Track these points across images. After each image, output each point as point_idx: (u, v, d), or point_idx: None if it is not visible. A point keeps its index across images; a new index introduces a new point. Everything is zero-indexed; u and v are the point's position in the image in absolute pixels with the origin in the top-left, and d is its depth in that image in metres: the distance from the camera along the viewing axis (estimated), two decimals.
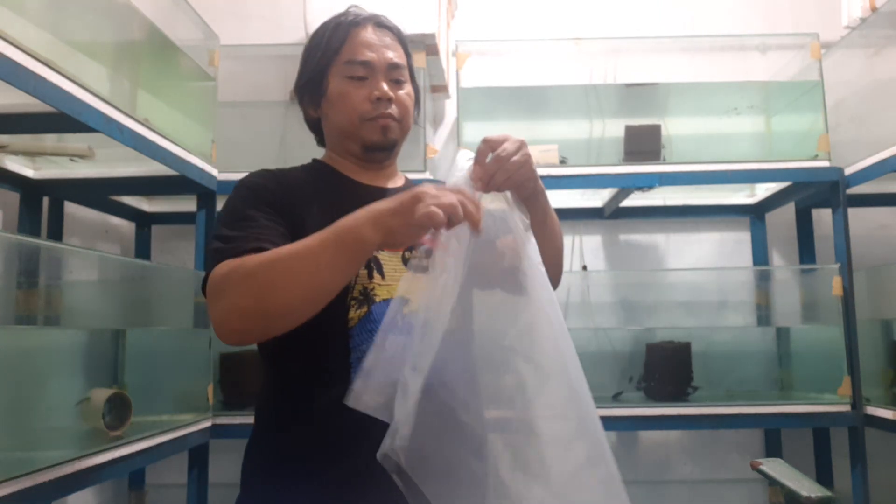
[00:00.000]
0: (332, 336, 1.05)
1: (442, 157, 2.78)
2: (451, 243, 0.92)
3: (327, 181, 1.18)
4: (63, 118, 1.46)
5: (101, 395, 1.69)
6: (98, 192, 2.37)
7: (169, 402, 2.07)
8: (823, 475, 2.47)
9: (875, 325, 2.32)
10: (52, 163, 2.05)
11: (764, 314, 2.61)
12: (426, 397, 0.89)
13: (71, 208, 2.36)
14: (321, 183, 1.17)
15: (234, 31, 2.55)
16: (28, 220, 2.12)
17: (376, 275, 1.09)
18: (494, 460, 0.97)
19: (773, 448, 2.59)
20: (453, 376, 0.98)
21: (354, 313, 1.06)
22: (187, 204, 2.35)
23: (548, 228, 1.11)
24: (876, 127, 2.30)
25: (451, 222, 0.87)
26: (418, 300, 0.92)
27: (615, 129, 2.51)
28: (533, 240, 1.02)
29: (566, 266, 2.70)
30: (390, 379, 0.89)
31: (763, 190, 2.65)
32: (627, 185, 2.37)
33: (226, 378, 2.27)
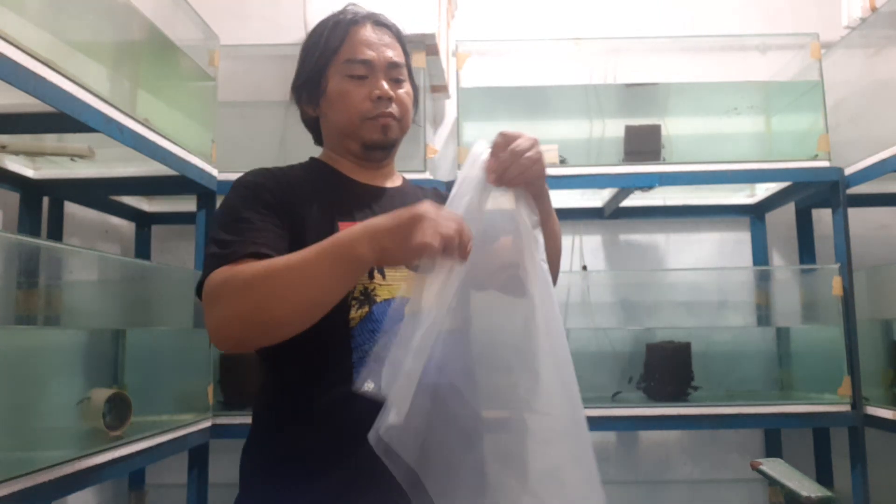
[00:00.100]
0: (333, 336, 1.05)
1: (442, 157, 2.78)
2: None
3: (326, 180, 1.18)
4: (63, 118, 1.46)
5: (101, 395, 1.70)
6: (98, 192, 2.37)
7: (169, 402, 2.07)
8: (823, 475, 2.47)
9: (875, 325, 2.32)
10: (52, 163, 2.05)
11: (764, 314, 2.61)
12: (426, 394, 0.89)
13: (71, 208, 2.36)
14: (320, 182, 1.17)
15: (234, 31, 2.55)
16: (28, 220, 2.12)
17: (377, 275, 1.09)
18: (490, 459, 0.97)
19: (773, 448, 2.59)
20: (452, 375, 0.98)
21: (356, 313, 1.06)
22: (187, 204, 2.36)
23: (548, 229, 1.11)
24: (876, 127, 2.30)
25: (445, 251, 0.87)
26: (419, 299, 0.92)
27: (615, 129, 2.51)
28: (540, 238, 1.02)
29: (566, 266, 2.70)
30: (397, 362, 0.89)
31: (763, 190, 2.65)
32: (627, 185, 2.37)
33: (226, 378, 2.27)
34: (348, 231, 0.92)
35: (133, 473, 2.53)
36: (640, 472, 2.65)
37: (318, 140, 1.27)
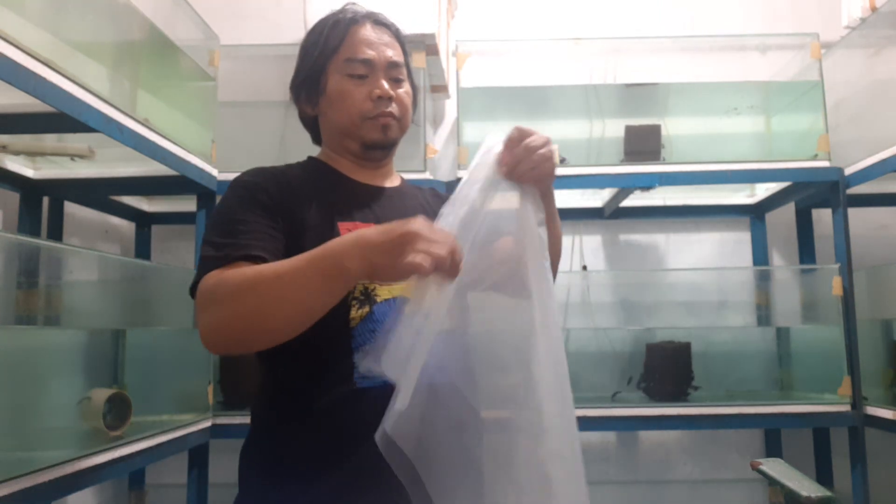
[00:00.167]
0: (334, 336, 1.05)
1: (442, 157, 2.78)
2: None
3: (325, 180, 1.17)
4: (63, 118, 1.46)
5: (102, 394, 1.70)
6: (98, 192, 2.37)
7: (169, 402, 2.07)
8: (823, 475, 2.48)
9: (875, 325, 2.32)
10: (52, 163, 2.05)
11: (764, 314, 2.61)
12: (426, 393, 0.89)
13: (71, 208, 2.36)
14: (319, 182, 1.16)
15: (234, 31, 2.55)
16: (28, 220, 2.12)
17: None
18: (488, 459, 0.98)
19: (773, 448, 2.59)
20: (452, 375, 0.98)
21: (356, 313, 1.06)
22: (187, 204, 2.35)
23: (550, 230, 1.11)
24: (876, 127, 2.30)
25: (437, 269, 0.85)
26: (419, 300, 0.92)
27: (615, 129, 2.51)
28: (544, 236, 1.02)
29: (566, 266, 2.70)
30: (402, 346, 0.89)
31: (763, 190, 2.65)
32: (627, 185, 2.37)
33: (226, 378, 2.27)
34: (339, 241, 0.90)
35: (133, 473, 2.53)
36: (640, 472, 2.65)
37: (317, 139, 1.26)
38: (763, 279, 2.64)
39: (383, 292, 1.09)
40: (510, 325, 1.03)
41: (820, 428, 2.51)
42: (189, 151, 2.03)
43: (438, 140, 2.82)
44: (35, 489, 1.32)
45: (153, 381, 2.07)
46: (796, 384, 2.48)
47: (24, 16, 1.37)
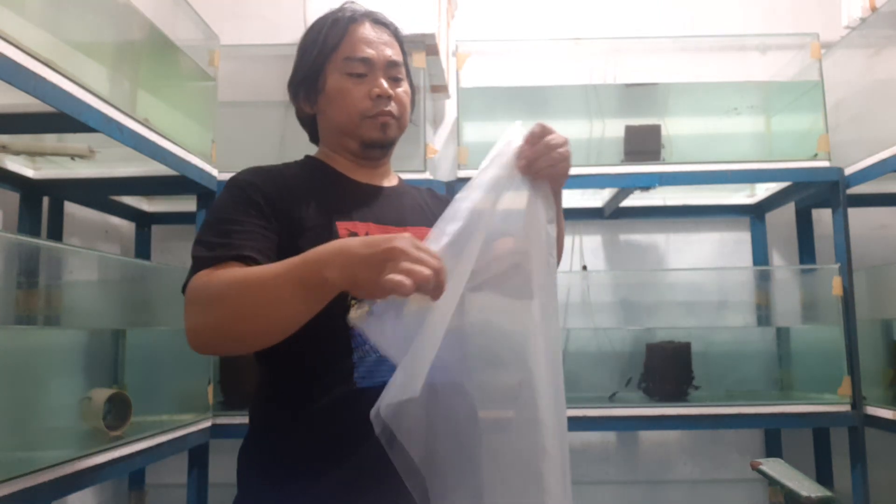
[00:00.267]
0: (333, 336, 1.04)
1: (442, 157, 2.78)
2: (452, 246, 0.92)
3: (323, 179, 1.17)
4: (63, 118, 1.46)
5: (102, 394, 1.70)
6: (98, 192, 2.37)
7: (169, 402, 2.07)
8: (823, 475, 2.48)
9: (875, 325, 2.32)
10: (52, 163, 2.05)
11: (764, 314, 2.61)
12: (426, 392, 0.89)
13: (71, 208, 2.36)
14: (317, 181, 1.16)
15: (234, 31, 2.55)
16: (28, 220, 2.12)
17: None
18: (486, 458, 0.98)
19: (773, 448, 2.59)
20: (452, 374, 0.98)
21: (355, 313, 1.06)
22: (187, 204, 2.35)
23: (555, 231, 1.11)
24: (876, 127, 2.30)
25: (420, 290, 0.82)
26: (418, 300, 0.92)
27: (615, 129, 2.51)
28: (553, 234, 1.03)
29: (566, 266, 2.70)
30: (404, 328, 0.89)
31: (763, 190, 2.65)
32: (627, 185, 2.37)
33: (226, 378, 2.27)
34: (321, 249, 0.88)
35: (133, 473, 2.53)
36: (640, 472, 2.65)
37: (314, 138, 1.26)
38: (763, 279, 2.64)
39: None
40: (512, 323, 1.03)
41: (820, 428, 2.51)
42: (189, 151, 2.03)
43: (438, 140, 2.82)
44: (35, 489, 1.32)
45: (153, 381, 2.07)
46: (796, 384, 2.48)
47: (24, 16, 1.37)
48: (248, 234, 1.02)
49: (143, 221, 2.68)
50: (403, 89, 1.18)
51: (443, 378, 0.95)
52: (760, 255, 2.72)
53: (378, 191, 1.20)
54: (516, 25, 2.85)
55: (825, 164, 2.32)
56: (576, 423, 2.13)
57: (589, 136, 2.57)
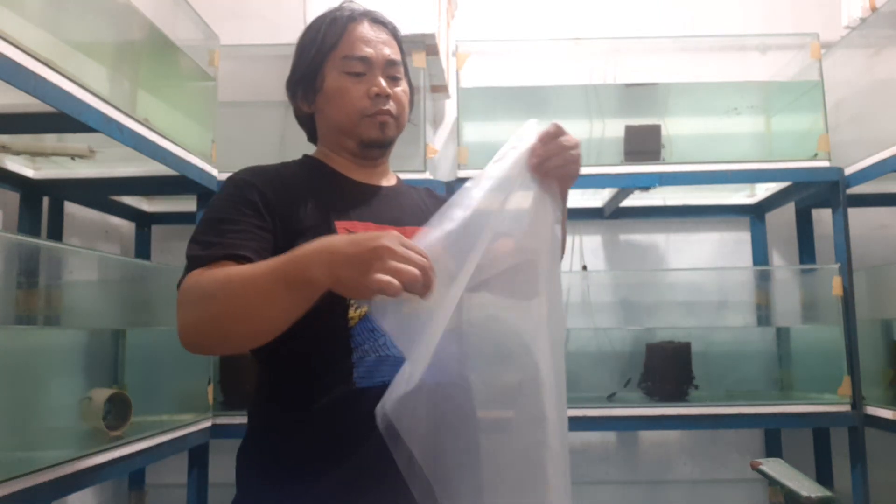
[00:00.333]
0: (332, 336, 1.04)
1: (442, 157, 2.78)
2: (456, 237, 0.92)
3: (321, 178, 1.17)
4: (63, 118, 1.46)
5: (102, 394, 1.70)
6: (98, 192, 2.37)
7: (169, 402, 2.07)
8: (823, 475, 2.47)
9: (875, 325, 2.32)
10: (53, 163, 2.05)
11: (764, 314, 2.61)
12: (427, 390, 0.89)
13: (71, 208, 2.36)
14: (315, 180, 1.16)
15: (234, 31, 2.55)
16: (28, 220, 2.12)
17: None
18: (491, 457, 0.98)
19: (773, 448, 2.59)
20: (453, 374, 0.98)
21: (355, 313, 1.06)
22: (187, 204, 2.35)
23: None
24: (876, 127, 2.30)
25: (407, 290, 0.81)
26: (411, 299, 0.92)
27: (615, 129, 2.51)
28: (559, 234, 1.03)
29: (566, 266, 2.70)
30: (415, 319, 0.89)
31: (763, 190, 2.65)
32: (627, 185, 2.37)
33: (226, 378, 2.27)
34: (306, 248, 0.87)
35: (133, 473, 2.53)
36: (640, 472, 2.65)
37: (312, 137, 1.26)
38: (763, 279, 2.64)
39: None
40: (518, 321, 1.03)
41: (820, 428, 2.51)
42: (189, 151, 2.03)
43: (438, 140, 2.82)
44: (35, 489, 1.32)
45: (153, 381, 2.07)
46: (796, 384, 2.48)
47: (24, 16, 1.37)
48: (243, 233, 1.02)
49: (143, 221, 2.68)
50: (402, 88, 1.17)
51: (447, 376, 0.95)
52: (760, 255, 2.72)
53: (376, 190, 1.20)
54: (516, 25, 2.84)
55: (825, 164, 2.32)
56: (576, 423, 2.13)
57: (589, 136, 2.57)
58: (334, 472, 1.01)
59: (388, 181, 1.24)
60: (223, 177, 2.21)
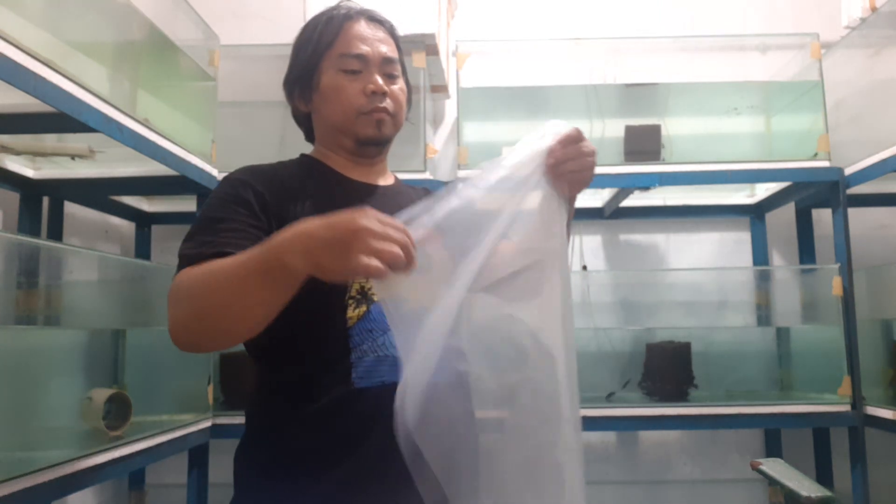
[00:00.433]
0: (331, 336, 1.04)
1: (442, 157, 2.78)
2: (449, 246, 0.92)
3: (318, 177, 1.16)
4: (63, 118, 1.46)
5: (102, 394, 1.70)
6: (98, 192, 2.37)
7: (169, 402, 2.07)
8: (823, 475, 2.47)
9: (875, 325, 2.32)
10: (53, 163, 2.05)
11: (764, 314, 2.61)
12: (427, 391, 0.89)
13: (71, 208, 2.36)
14: (312, 179, 1.15)
15: (234, 31, 2.55)
16: (28, 220, 2.12)
17: None
18: (486, 458, 0.97)
19: (773, 448, 2.59)
20: (455, 374, 0.98)
21: (353, 312, 1.05)
22: (187, 204, 2.36)
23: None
24: (876, 127, 2.30)
25: (392, 269, 0.79)
26: (418, 300, 0.91)
27: (615, 129, 2.51)
28: (566, 235, 1.03)
29: None
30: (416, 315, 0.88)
31: (763, 190, 2.65)
32: (627, 185, 2.37)
33: (226, 378, 2.27)
34: (281, 235, 0.85)
35: (133, 473, 2.53)
36: (640, 472, 2.65)
37: (310, 136, 1.25)
38: (763, 279, 2.64)
39: None
40: (532, 320, 1.03)
41: (820, 428, 2.51)
42: (189, 151, 2.03)
43: (438, 140, 2.82)
44: (35, 489, 1.32)
45: (153, 381, 2.07)
46: (796, 384, 2.48)
47: (24, 16, 1.37)
48: (235, 231, 1.02)
49: (143, 221, 2.68)
50: (399, 86, 1.17)
51: (458, 376, 0.95)
52: (760, 255, 2.72)
53: (373, 189, 1.19)
54: (516, 25, 2.84)
55: (825, 164, 2.32)
56: None
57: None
58: (333, 472, 1.01)
59: (386, 180, 1.24)
60: (223, 177, 2.22)
